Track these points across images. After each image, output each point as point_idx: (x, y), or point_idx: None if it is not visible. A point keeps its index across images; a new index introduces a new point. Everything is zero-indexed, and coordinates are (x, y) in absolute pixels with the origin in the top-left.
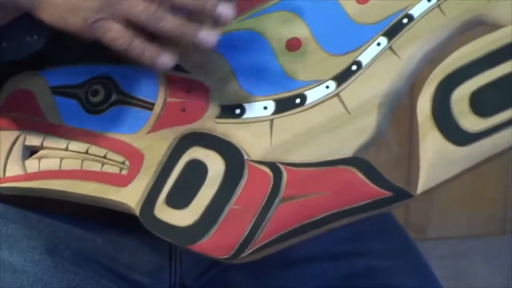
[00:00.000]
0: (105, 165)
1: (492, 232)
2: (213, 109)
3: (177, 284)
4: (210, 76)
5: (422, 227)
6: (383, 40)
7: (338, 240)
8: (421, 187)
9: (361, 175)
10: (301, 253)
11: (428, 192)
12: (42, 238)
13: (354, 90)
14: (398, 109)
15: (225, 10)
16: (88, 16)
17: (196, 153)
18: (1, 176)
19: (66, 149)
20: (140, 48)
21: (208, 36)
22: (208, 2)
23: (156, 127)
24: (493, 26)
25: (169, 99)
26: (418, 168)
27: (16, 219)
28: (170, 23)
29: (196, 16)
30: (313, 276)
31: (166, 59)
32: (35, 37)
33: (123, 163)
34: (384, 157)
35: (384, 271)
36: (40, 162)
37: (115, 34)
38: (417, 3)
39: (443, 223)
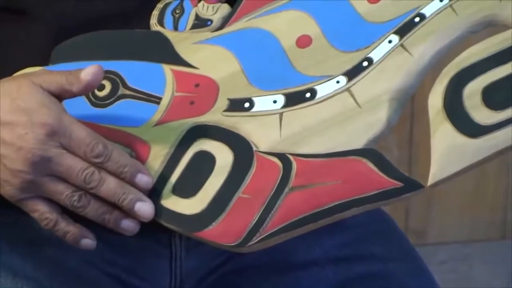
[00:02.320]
0: None
1: (492, 237)
2: (222, 103)
3: None
4: (218, 72)
5: (422, 232)
6: (395, 38)
7: (339, 245)
8: (431, 178)
9: (371, 165)
10: (302, 257)
11: (438, 184)
12: (42, 242)
13: (365, 85)
14: None
15: (143, 207)
16: (13, 193)
17: (204, 144)
18: None
19: None
20: (62, 231)
21: (130, 227)
22: (126, 200)
23: (163, 120)
24: (504, 27)
25: (177, 93)
26: (418, 171)
27: (16, 223)
28: (93, 212)
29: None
30: (314, 280)
31: (88, 242)
32: None
33: (129, 154)
34: None
35: (384, 275)
36: None
37: (39, 215)
38: (429, 2)
39: (443, 228)
